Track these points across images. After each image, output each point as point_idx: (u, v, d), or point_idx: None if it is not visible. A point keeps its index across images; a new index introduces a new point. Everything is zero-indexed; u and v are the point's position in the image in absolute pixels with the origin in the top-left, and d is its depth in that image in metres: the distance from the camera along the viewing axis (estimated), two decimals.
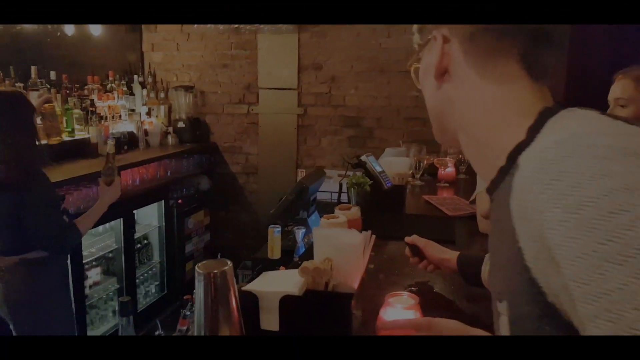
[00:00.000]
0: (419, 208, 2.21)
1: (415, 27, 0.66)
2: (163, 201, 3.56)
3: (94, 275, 3.08)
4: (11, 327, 1.88)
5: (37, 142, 1.94)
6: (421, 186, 2.65)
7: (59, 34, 3.30)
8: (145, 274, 3.56)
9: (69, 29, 3.26)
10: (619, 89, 1.66)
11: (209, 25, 3.74)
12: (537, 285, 0.45)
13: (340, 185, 2.15)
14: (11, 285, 1.81)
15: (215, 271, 0.86)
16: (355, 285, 1.08)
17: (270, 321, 1.05)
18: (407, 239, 1.35)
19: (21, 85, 2.87)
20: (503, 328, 0.55)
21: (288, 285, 1.06)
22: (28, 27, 2.95)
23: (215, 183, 4.10)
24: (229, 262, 0.89)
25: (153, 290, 3.65)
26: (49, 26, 3.26)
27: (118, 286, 3.20)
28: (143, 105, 3.91)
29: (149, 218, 3.60)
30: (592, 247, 0.38)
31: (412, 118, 3.66)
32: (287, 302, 1.04)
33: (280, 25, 3.70)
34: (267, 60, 3.90)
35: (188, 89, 4.00)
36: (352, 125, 3.83)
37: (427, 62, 0.63)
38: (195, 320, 0.90)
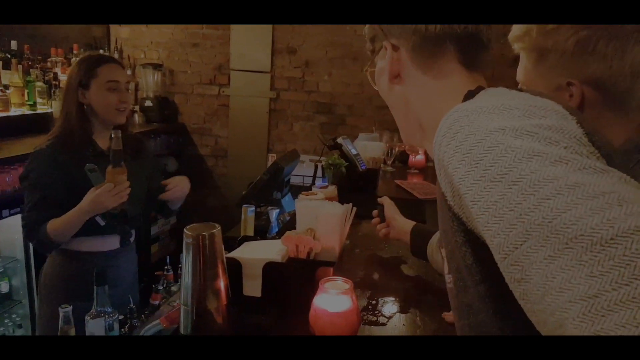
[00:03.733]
0: (390, 191, 2.26)
1: (367, 36, 0.76)
2: None
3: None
4: None
5: None
6: (392, 172, 2.71)
7: None
8: None
9: None
10: None
11: None
12: (459, 218, 0.54)
13: (316, 167, 2.16)
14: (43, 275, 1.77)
15: (204, 233, 0.86)
16: (337, 254, 1.10)
17: (253, 287, 1.06)
18: (380, 199, 1.46)
19: None
20: (445, 270, 0.66)
21: (271, 253, 1.07)
22: None
23: (182, 165, 4.03)
24: (217, 225, 0.89)
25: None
26: None
27: None
28: None
29: None
30: (481, 173, 0.47)
31: (383, 106, 3.67)
32: (270, 269, 1.05)
33: None
34: (240, 41, 3.85)
35: (157, 66, 3.90)
36: (324, 112, 3.84)
37: (381, 67, 0.74)
38: (182, 286, 0.90)
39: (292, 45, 3.79)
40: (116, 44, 4.01)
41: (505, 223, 0.44)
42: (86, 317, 1.28)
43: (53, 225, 1.57)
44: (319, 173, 2.18)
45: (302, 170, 2.58)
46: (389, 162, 2.75)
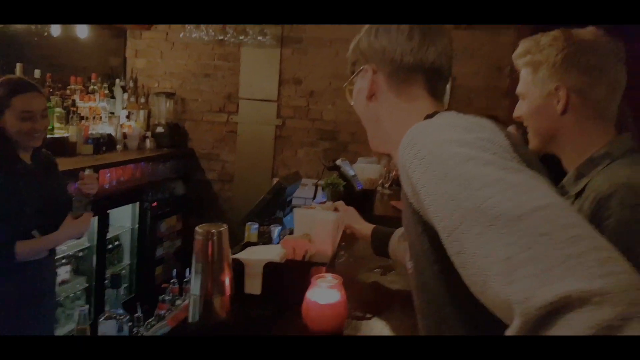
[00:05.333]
0: (386, 211, 2.38)
1: (350, 59, 0.90)
2: (138, 203, 3.61)
3: (63, 273, 3.08)
4: None
5: None
6: (389, 194, 2.83)
7: (45, 34, 3.37)
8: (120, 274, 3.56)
9: (55, 30, 3.34)
10: None
11: (194, 35, 3.88)
12: (417, 212, 0.67)
13: (316, 188, 2.29)
14: None
15: (213, 231, 0.98)
16: (329, 256, 1.22)
17: (253, 286, 1.17)
18: (334, 203, 1.57)
19: None
20: (407, 257, 0.78)
21: (271, 255, 1.19)
22: (15, 27, 3.02)
23: (190, 189, 4.17)
24: (224, 225, 1.01)
25: (122, 292, 3.65)
26: (33, 26, 3.33)
27: (87, 285, 3.21)
28: (123, 108, 3.98)
29: (123, 219, 3.62)
30: (432, 174, 0.60)
31: None
32: (269, 269, 1.17)
33: (263, 39, 3.88)
34: (249, 72, 4.06)
35: (169, 95, 4.10)
36: (328, 139, 4.01)
37: (360, 86, 0.87)
38: (192, 276, 1.02)
39: (298, 76, 3.99)
40: (132, 73, 4.23)
41: (448, 210, 0.57)
42: (99, 318, 1.39)
43: (26, 247, 1.66)
44: (319, 193, 2.30)
45: (304, 193, 2.71)
46: (387, 185, 2.88)
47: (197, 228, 0.99)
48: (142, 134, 3.96)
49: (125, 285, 3.69)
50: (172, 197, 3.99)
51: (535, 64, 0.99)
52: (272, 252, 1.20)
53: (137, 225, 3.65)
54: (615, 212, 0.86)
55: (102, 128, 3.63)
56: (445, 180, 0.58)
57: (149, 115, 4.15)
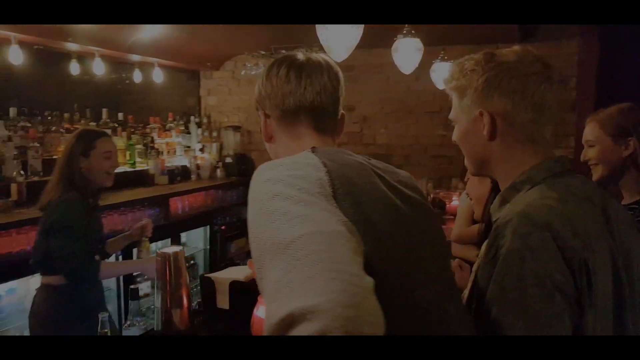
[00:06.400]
0: None
1: (254, 107, 0.99)
2: (208, 226, 3.99)
3: (145, 287, 3.52)
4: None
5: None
6: None
7: (127, 82, 3.93)
8: (191, 291, 3.95)
9: (137, 77, 3.88)
10: (587, 131, 1.74)
11: (253, 72, 4.23)
12: None
13: None
14: (36, 305, 2.02)
15: (170, 252, 1.18)
16: None
17: (222, 301, 1.35)
18: None
19: (94, 124, 3.46)
20: None
21: (239, 275, 1.35)
22: (104, 77, 3.57)
23: None
24: (181, 247, 1.21)
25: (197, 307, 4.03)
26: (123, 74, 3.91)
27: None
28: (198, 142, 4.45)
29: (197, 241, 4.04)
30: (253, 209, 0.68)
31: (438, 155, 3.86)
32: (235, 287, 1.33)
33: None
34: None
35: (236, 128, 4.50)
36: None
37: (262, 130, 0.98)
38: (155, 293, 1.22)
39: (351, 103, 4.15)
40: (205, 110, 4.72)
41: (257, 241, 0.63)
42: (124, 325, 1.64)
43: (110, 267, 2.03)
44: None
45: None
46: None
47: (157, 251, 1.20)
48: (214, 164, 4.38)
49: (199, 300, 4.06)
50: (240, 220, 4.33)
51: (460, 89, 0.96)
52: (242, 273, 1.36)
53: (209, 246, 4.02)
54: (508, 240, 0.83)
55: (178, 160, 4.10)
56: (259, 214, 0.65)
57: (221, 147, 4.58)
